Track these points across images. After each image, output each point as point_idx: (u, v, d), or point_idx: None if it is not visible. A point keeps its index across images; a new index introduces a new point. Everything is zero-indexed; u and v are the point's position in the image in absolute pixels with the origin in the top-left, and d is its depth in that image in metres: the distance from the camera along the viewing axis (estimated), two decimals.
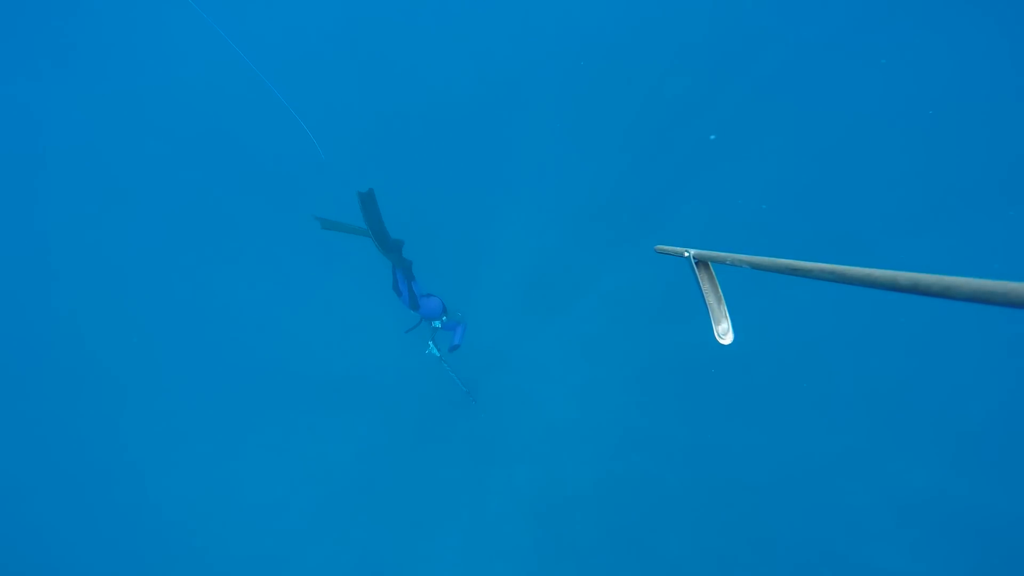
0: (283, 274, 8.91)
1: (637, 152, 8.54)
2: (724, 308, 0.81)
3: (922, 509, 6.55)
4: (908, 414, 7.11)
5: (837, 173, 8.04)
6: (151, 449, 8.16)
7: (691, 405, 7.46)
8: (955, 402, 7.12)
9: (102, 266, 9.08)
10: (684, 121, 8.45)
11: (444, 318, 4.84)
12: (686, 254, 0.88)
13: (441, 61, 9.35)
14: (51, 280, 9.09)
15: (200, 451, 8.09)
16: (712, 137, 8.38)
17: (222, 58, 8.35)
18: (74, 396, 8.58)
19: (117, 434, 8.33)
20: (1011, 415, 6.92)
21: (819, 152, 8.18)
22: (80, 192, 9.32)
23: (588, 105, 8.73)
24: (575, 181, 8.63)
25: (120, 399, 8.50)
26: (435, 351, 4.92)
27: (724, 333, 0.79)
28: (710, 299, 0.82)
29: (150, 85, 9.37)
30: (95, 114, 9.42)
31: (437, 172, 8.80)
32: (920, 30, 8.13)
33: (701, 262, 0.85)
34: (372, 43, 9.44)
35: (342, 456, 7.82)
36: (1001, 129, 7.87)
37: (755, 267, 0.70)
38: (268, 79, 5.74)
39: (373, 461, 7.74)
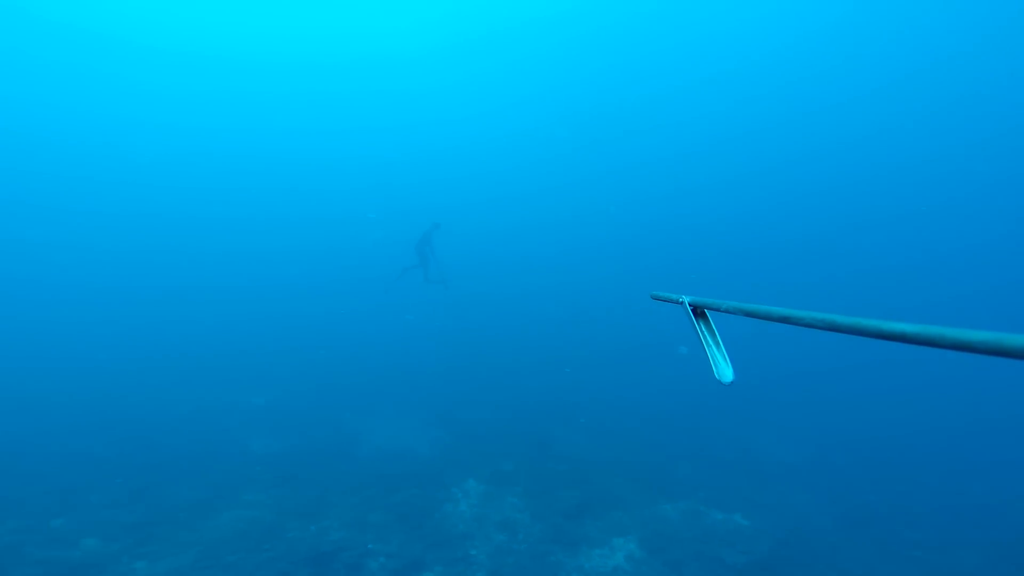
0: None
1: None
2: (723, 350, 0.84)
3: None
4: None
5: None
6: None
7: None
8: None
9: None
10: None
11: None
12: (681, 301, 0.93)
13: None
14: None
15: None
16: None
17: None
18: None
19: None
20: None
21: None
22: None
23: None
24: None
25: None
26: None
27: (723, 373, 0.82)
28: (707, 342, 0.86)
29: None
30: None
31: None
32: None
33: (697, 309, 0.90)
34: None
35: None
36: None
37: (749, 315, 0.71)
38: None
39: None
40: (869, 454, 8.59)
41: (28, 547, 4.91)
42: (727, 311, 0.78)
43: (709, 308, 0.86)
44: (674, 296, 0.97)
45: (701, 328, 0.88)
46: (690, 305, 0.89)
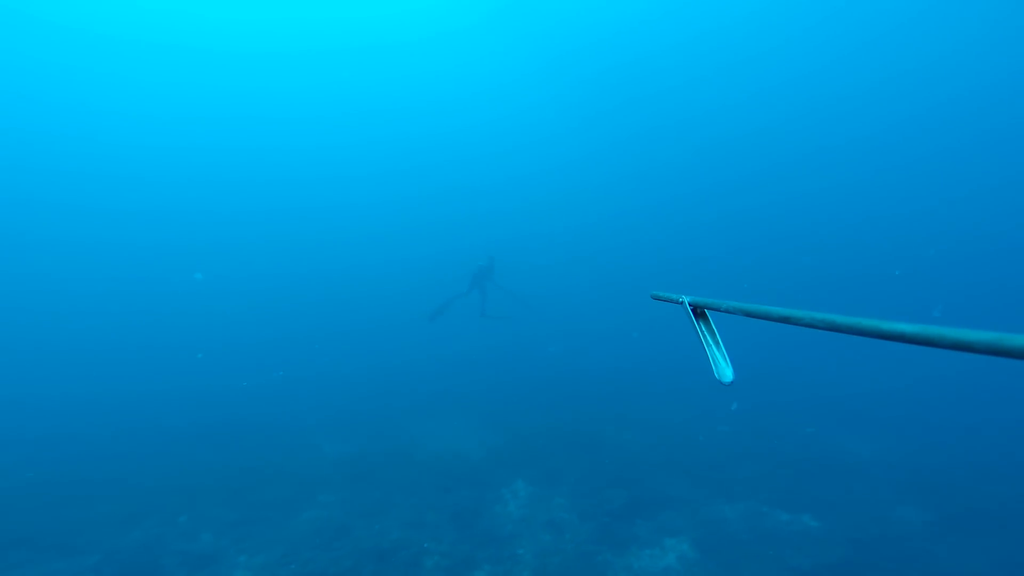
0: None
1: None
2: (723, 350, 0.86)
3: None
4: None
5: None
6: None
7: None
8: None
9: None
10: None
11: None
12: (681, 301, 0.95)
13: None
14: None
15: None
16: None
17: None
18: None
19: None
20: None
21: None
22: None
23: None
24: None
25: None
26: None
27: (723, 373, 0.83)
28: (707, 342, 0.88)
29: None
30: None
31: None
32: None
33: (697, 308, 0.92)
34: None
35: None
36: None
37: (749, 315, 0.73)
38: None
39: None
40: (974, 449, 7.76)
41: (167, 539, 6.42)
42: (727, 311, 0.80)
43: (709, 308, 0.89)
44: (674, 296, 1.00)
45: (701, 328, 0.90)
46: (690, 305, 0.92)
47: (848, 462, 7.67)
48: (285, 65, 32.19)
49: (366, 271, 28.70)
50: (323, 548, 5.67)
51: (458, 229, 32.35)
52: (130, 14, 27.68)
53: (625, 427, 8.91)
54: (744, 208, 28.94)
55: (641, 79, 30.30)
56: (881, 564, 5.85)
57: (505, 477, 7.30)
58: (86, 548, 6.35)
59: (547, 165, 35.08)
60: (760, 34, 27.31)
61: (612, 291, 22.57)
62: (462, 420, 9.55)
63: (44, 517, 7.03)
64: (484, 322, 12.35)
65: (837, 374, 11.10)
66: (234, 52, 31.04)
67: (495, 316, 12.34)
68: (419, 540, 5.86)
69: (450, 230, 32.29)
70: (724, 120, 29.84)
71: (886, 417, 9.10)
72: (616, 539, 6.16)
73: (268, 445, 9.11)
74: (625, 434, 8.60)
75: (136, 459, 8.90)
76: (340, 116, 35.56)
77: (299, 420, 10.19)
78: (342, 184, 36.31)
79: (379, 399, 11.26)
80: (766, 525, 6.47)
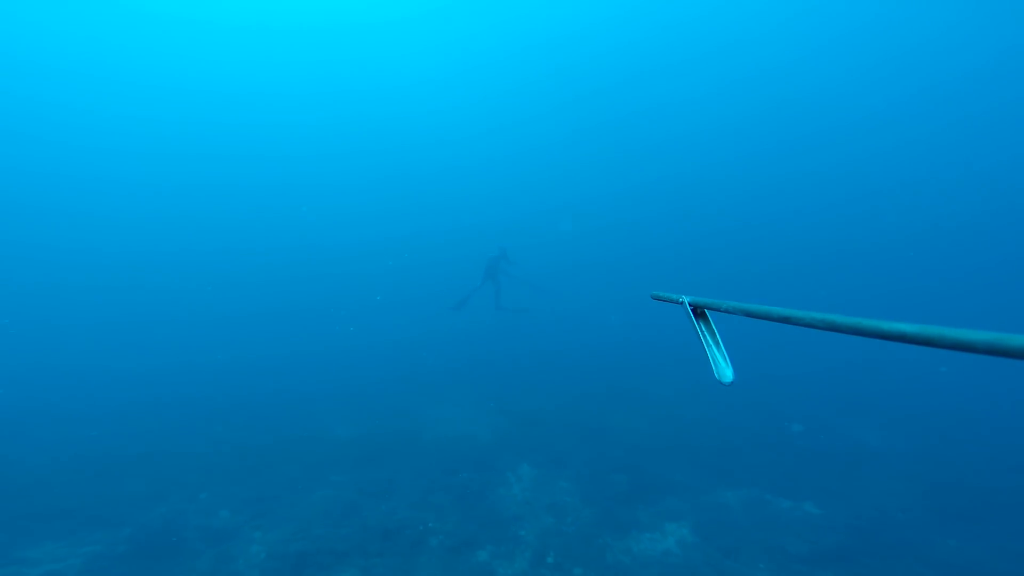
0: None
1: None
2: (723, 350, 0.87)
3: None
4: None
5: None
6: None
7: None
8: None
9: None
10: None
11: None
12: (681, 301, 0.96)
13: None
14: None
15: None
16: None
17: None
18: None
19: None
20: None
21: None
22: None
23: None
24: None
25: None
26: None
27: (723, 373, 0.84)
28: (707, 342, 0.89)
29: None
30: None
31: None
32: None
33: (697, 309, 0.93)
34: None
35: None
36: None
37: (749, 315, 0.74)
38: None
39: None
40: (983, 441, 7.68)
41: (189, 515, 6.84)
42: (727, 311, 0.81)
43: (709, 308, 0.90)
44: (674, 296, 1.01)
45: (701, 328, 0.91)
46: (690, 305, 0.93)
47: (855, 451, 7.69)
48: (279, 44, 32.02)
49: (375, 252, 29.08)
50: (333, 526, 5.98)
51: (463, 211, 32.39)
52: None
53: (633, 413, 9.04)
54: (745, 200, 29.17)
55: (639, 66, 30.19)
56: (880, 552, 5.94)
57: (511, 460, 7.52)
58: (119, 521, 6.80)
59: (548, 148, 35.10)
60: (758, 34, 27.25)
61: (619, 281, 22.63)
62: (470, 403, 9.80)
63: (83, 490, 7.52)
64: (498, 309, 12.42)
65: (848, 362, 11.00)
66: (229, 26, 30.92)
67: (511, 308, 12.36)
68: (424, 520, 6.13)
69: (454, 215, 32.37)
70: (730, 107, 29.78)
71: (897, 407, 9.04)
72: (617, 523, 6.35)
73: (283, 424, 9.50)
74: (632, 420, 8.74)
75: (161, 436, 9.39)
76: (351, 98, 35.44)
77: (312, 401, 10.58)
78: (335, 163, 36.43)
79: (389, 381, 11.60)
80: (767, 512, 6.58)
